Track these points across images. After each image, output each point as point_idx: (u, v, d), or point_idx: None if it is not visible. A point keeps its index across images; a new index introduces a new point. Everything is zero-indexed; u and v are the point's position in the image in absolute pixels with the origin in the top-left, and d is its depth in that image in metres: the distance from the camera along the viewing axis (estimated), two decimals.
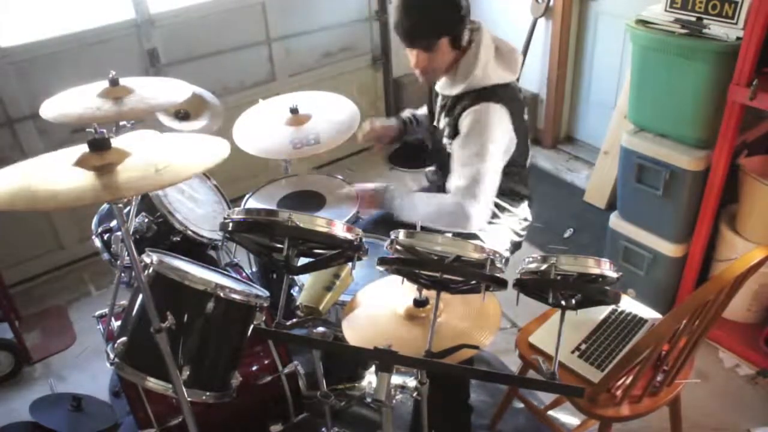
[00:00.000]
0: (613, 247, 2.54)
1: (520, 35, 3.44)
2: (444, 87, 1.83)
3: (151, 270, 1.41)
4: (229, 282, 1.53)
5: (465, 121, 1.73)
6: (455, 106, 1.79)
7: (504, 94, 1.75)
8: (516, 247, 2.03)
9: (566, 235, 3.07)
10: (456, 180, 1.76)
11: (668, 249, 2.33)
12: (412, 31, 1.71)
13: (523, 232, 2.04)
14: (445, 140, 1.85)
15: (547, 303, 1.35)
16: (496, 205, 1.91)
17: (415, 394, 1.37)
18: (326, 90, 2.45)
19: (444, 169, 1.90)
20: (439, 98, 1.89)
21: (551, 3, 3.34)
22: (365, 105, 2.32)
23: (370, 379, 2.08)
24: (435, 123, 1.95)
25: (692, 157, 2.12)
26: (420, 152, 2.12)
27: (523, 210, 2.01)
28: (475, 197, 1.73)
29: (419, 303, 1.43)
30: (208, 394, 1.44)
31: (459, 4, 1.69)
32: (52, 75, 2.70)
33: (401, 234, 1.30)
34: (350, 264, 1.39)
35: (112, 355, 1.41)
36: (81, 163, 1.16)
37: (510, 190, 1.93)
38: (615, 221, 2.50)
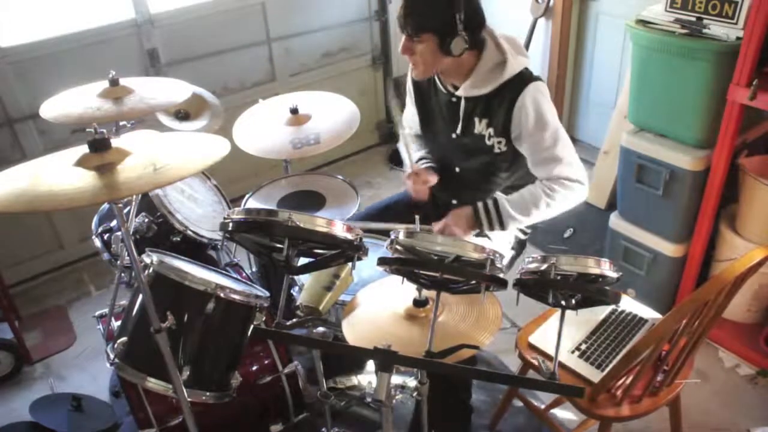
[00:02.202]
0: (613, 247, 2.54)
1: (520, 35, 3.44)
2: (469, 89, 1.76)
3: (151, 270, 1.41)
4: (229, 282, 1.53)
5: (528, 107, 1.70)
6: (491, 102, 1.74)
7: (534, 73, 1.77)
8: (521, 246, 2.03)
9: (566, 235, 3.07)
10: (555, 157, 1.75)
11: (668, 249, 2.33)
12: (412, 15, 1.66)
13: (529, 231, 2.04)
14: (492, 140, 1.78)
15: (547, 303, 1.35)
16: None
17: (415, 394, 1.37)
18: (326, 90, 2.45)
19: (490, 168, 1.85)
20: (462, 104, 1.79)
21: (551, 3, 3.34)
22: (365, 105, 2.31)
23: (370, 379, 2.08)
24: (456, 132, 1.84)
25: (692, 157, 2.12)
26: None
27: None
28: (573, 164, 1.77)
29: (419, 303, 1.43)
30: (208, 394, 1.44)
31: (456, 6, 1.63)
32: (52, 75, 2.70)
33: (401, 234, 1.30)
34: (350, 264, 1.39)
35: (112, 355, 1.41)
36: (81, 163, 1.16)
37: (520, 186, 1.92)
38: (615, 221, 2.50)
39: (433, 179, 1.90)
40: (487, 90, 1.73)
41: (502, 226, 1.79)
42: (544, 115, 1.71)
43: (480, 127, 1.79)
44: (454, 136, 1.85)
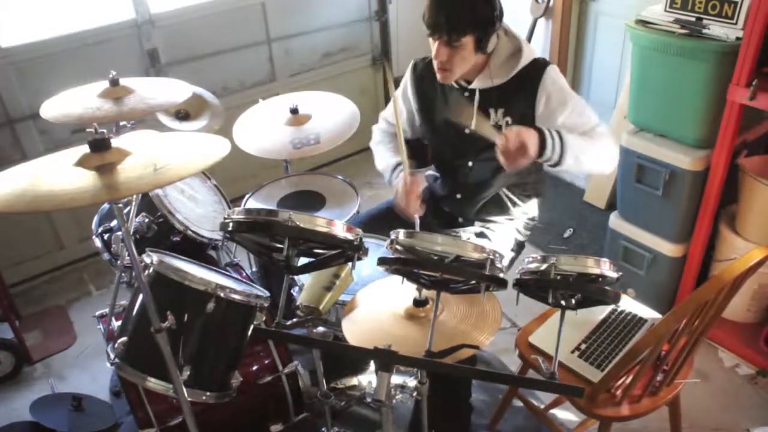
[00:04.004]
0: (613, 247, 2.54)
1: (520, 35, 3.43)
2: (485, 81, 1.74)
3: (151, 270, 1.42)
4: (230, 282, 1.53)
5: (551, 89, 1.70)
6: (507, 91, 1.74)
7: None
8: (520, 246, 2.03)
9: (566, 235, 3.07)
10: (594, 123, 1.75)
11: (668, 249, 2.33)
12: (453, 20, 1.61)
13: (528, 232, 2.04)
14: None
15: (547, 303, 1.35)
16: (507, 199, 1.91)
17: (415, 394, 1.37)
18: (326, 90, 2.46)
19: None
20: (477, 96, 1.77)
21: (551, 3, 3.34)
22: (365, 105, 2.30)
23: (370, 379, 2.08)
24: (469, 129, 1.80)
25: (692, 157, 2.12)
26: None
27: (532, 207, 1.99)
28: (601, 123, 1.77)
29: (419, 303, 1.43)
30: (208, 394, 1.44)
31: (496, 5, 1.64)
32: (52, 75, 2.70)
33: (401, 234, 1.30)
34: (350, 264, 1.39)
35: (112, 355, 1.41)
36: (81, 163, 1.16)
37: (523, 184, 1.92)
38: (615, 221, 2.50)
39: (421, 188, 1.80)
40: (504, 79, 1.73)
41: (563, 149, 1.66)
42: (568, 93, 1.73)
43: (497, 117, 1.78)
44: (467, 131, 1.82)
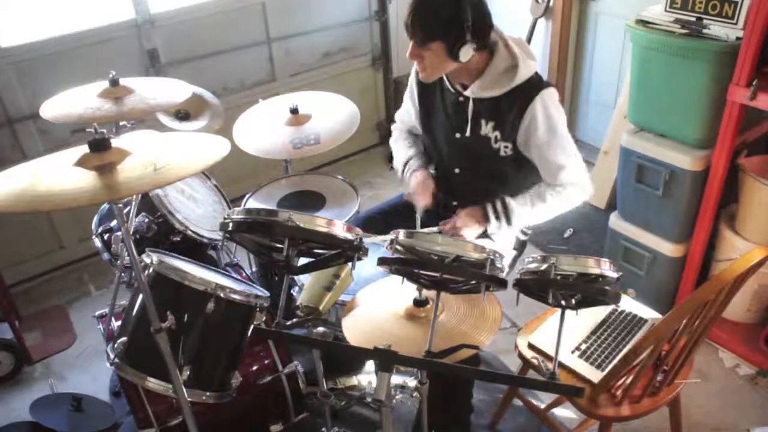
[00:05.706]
0: (613, 247, 2.54)
1: (520, 35, 3.43)
2: (478, 90, 1.74)
3: (151, 270, 1.42)
4: (229, 282, 1.53)
5: (539, 116, 1.70)
6: (500, 105, 1.74)
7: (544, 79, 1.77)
8: (522, 245, 2.03)
9: (566, 235, 3.07)
10: (561, 165, 1.77)
11: (668, 249, 2.33)
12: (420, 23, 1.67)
13: (529, 231, 2.04)
14: (499, 143, 1.78)
15: (547, 303, 1.35)
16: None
17: (415, 394, 1.37)
18: (326, 90, 2.46)
19: (491, 171, 1.85)
20: (471, 104, 1.78)
21: (551, 3, 3.34)
22: (365, 105, 2.30)
23: (370, 379, 2.08)
24: (460, 133, 1.84)
25: (692, 157, 2.12)
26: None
27: None
28: (577, 170, 1.80)
29: (419, 303, 1.43)
30: (208, 394, 1.44)
31: (464, 14, 1.62)
32: (52, 75, 2.70)
33: (401, 234, 1.30)
34: (350, 264, 1.39)
35: (112, 355, 1.41)
36: (81, 163, 1.16)
37: (532, 184, 1.92)
38: (615, 221, 2.50)
39: (432, 184, 1.88)
40: (497, 93, 1.73)
41: (509, 223, 1.80)
42: (553, 125, 1.72)
43: (486, 129, 1.78)
44: (457, 136, 1.84)
